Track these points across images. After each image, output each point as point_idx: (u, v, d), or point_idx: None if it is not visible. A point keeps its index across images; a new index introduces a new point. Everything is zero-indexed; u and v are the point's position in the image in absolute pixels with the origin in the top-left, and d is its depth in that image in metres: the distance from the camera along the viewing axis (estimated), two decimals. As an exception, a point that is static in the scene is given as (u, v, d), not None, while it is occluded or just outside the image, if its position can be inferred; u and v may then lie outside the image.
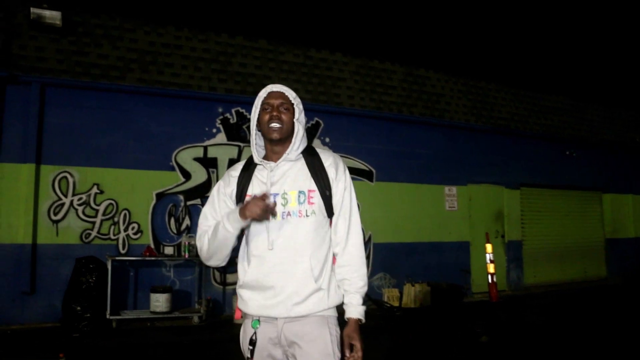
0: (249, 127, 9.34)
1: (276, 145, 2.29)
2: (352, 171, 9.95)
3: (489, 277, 10.59)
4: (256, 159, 2.33)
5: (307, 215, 2.21)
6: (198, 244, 2.33)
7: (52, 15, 7.93)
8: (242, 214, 2.12)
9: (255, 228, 2.22)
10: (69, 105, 8.23)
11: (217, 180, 8.89)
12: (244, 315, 2.31)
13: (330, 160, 2.33)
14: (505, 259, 12.09)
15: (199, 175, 8.99)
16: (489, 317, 9.09)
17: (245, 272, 2.27)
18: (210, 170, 9.08)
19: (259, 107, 2.32)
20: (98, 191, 8.29)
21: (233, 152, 9.28)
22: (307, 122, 9.87)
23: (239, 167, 2.41)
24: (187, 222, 8.82)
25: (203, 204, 8.78)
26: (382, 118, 10.55)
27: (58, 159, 8.10)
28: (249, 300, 2.24)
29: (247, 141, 9.37)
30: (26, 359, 6.06)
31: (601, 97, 14.05)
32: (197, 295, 8.63)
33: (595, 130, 14.24)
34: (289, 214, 2.20)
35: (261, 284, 2.19)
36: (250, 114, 9.31)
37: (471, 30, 10.16)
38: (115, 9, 8.57)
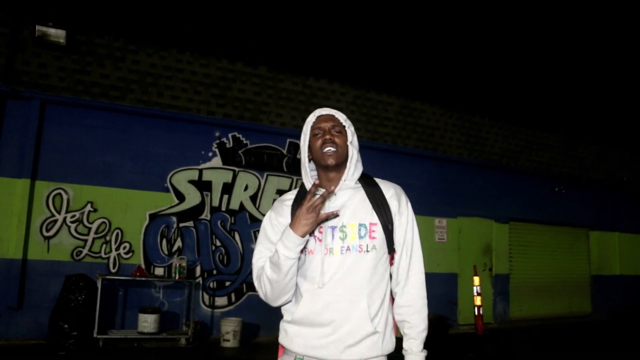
0: (244, 152, 9.58)
1: (331, 172, 2.13)
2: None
3: (476, 309, 10.69)
4: (309, 187, 2.12)
5: (367, 251, 2.04)
6: (257, 285, 2.12)
7: (57, 34, 8.06)
8: (297, 230, 1.96)
9: (312, 262, 2.05)
10: (68, 122, 8.31)
11: (211, 204, 9.07)
12: (285, 352, 2.14)
13: (392, 192, 2.16)
14: (492, 291, 12.19)
15: (193, 197, 9.05)
16: (475, 349, 9.15)
17: (295, 308, 2.09)
18: (205, 193, 9.15)
19: (308, 133, 2.16)
20: (91, 209, 8.33)
21: (228, 176, 9.36)
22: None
23: (291, 195, 2.23)
24: (179, 243, 8.86)
25: (196, 226, 8.98)
26: (377, 149, 10.69)
27: (53, 175, 8.14)
28: (295, 337, 2.07)
29: (242, 166, 9.47)
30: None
31: (592, 135, 14.30)
32: (185, 317, 8.63)
33: (585, 168, 14.48)
34: (348, 248, 2.03)
35: (312, 321, 2.02)
36: (246, 139, 9.50)
37: (468, 65, 10.37)
38: (118, 29, 8.67)
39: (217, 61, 9.42)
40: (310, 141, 2.15)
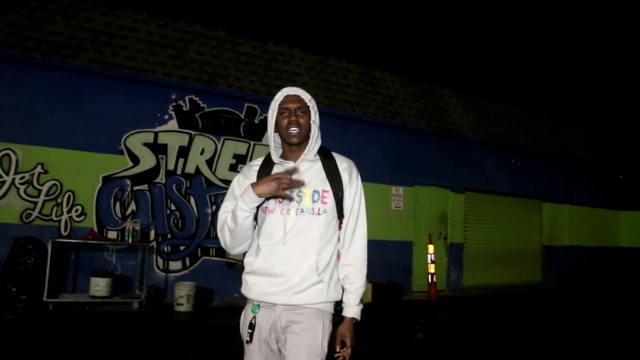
0: (201, 116, 9.45)
1: (294, 147, 2.37)
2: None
3: (429, 277, 10.89)
4: (275, 159, 2.42)
5: (319, 214, 2.31)
6: (220, 235, 2.39)
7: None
8: (256, 189, 2.21)
9: (271, 220, 2.32)
10: (17, 81, 8.02)
11: (166, 167, 8.94)
12: (247, 302, 2.40)
13: (344, 165, 2.43)
14: (446, 260, 12.46)
15: (147, 160, 8.91)
16: (427, 315, 9.37)
17: (253, 260, 2.37)
18: (160, 156, 9.02)
19: (276, 110, 2.37)
20: (42, 171, 8.12)
21: (184, 139, 9.23)
22: (259, 112, 9.91)
23: (257, 162, 2.49)
24: (132, 207, 8.75)
25: (150, 190, 8.86)
26: (335, 115, 10.67)
27: (1, 135, 7.88)
28: (253, 286, 2.34)
29: (198, 129, 9.34)
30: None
31: (548, 108, 14.58)
32: (138, 281, 8.56)
33: (540, 141, 14.80)
34: (302, 210, 2.30)
35: (267, 272, 2.30)
36: (203, 102, 9.36)
37: (428, 35, 10.38)
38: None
39: (174, 22, 9.20)
40: (277, 118, 2.36)
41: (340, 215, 2.39)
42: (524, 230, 14.74)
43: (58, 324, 6.98)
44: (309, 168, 2.38)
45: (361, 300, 2.39)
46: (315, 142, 2.40)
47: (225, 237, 2.36)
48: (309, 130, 2.38)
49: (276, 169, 2.41)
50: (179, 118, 9.20)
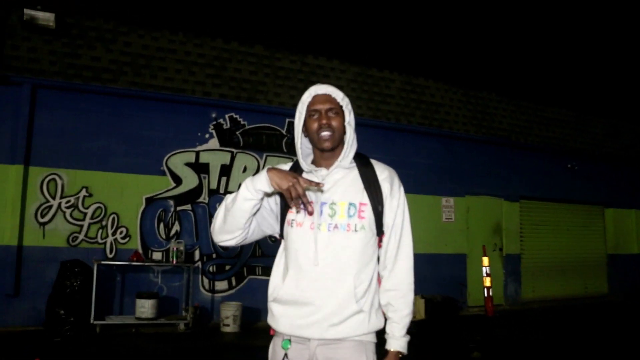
0: (242, 133, 9.37)
1: (327, 153, 2.13)
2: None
3: (485, 290, 10.41)
4: (304, 166, 2.17)
5: (355, 230, 2.03)
6: (214, 217, 2.14)
7: (46, 17, 7.87)
8: (268, 173, 1.95)
9: (300, 238, 2.05)
10: (60, 107, 8.17)
11: (209, 186, 8.88)
12: (276, 334, 2.13)
13: (385, 174, 2.15)
14: (502, 272, 11.89)
15: (190, 180, 8.88)
16: (484, 332, 8.90)
17: (280, 285, 2.10)
18: (202, 175, 8.98)
19: (304, 113, 2.14)
20: (87, 194, 8.20)
21: (226, 158, 9.17)
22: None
23: (286, 167, 2.22)
24: (176, 227, 8.71)
25: (194, 210, 8.81)
26: (380, 127, 10.40)
27: (47, 161, 8.02)
28: (281, 317, 2.07)
29: (240, 147, 9.27)
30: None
31: (605, 110, 13.84)
32: (184, 302, 8.49)
33: (599, 144, 14.02)
34: (335, 226, 2.03)
35: (297, 300, 2.03)
36: (243, 119, 9.28)
37: (473, 39, 10.03)
38: (109, 11, 8.50)
39: (211, 41, 9.19)
40: (305, 121, 2.13)
41: (380, 232, 2.11)
42: (586, 239, 13.92)
43: (105, 346, 6.98)
44: (344, 177, 2.11)
45: (408, 331, 2.09)
46: (350, 146, 2.14)
47: (217, 218, 2.09)
48: (343, 134, 2.13)
49: (306, 177, 2.13)
50: (219, 136, 9.15)
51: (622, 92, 13.24)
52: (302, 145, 2.20)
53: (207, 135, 9.07)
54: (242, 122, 9.35)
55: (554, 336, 8.64)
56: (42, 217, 7.93)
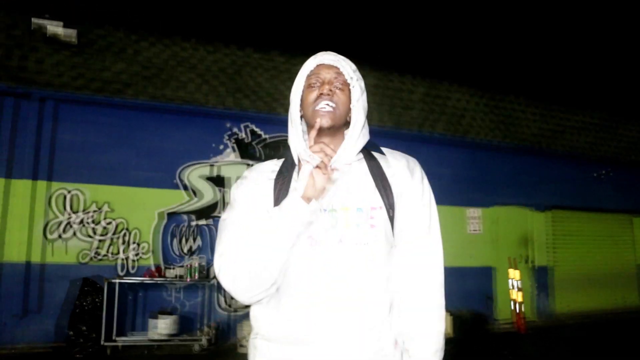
0: (260, 145, 9.06)
1: (324, 137, 1.63)
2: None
3: (516, 305, 9.94)
4: (303, 154, 1.65)
5: (366, 243, 1.58)
6: (229, 272, 1.55)
7: (67, 33, 7.78)
8: (308, 191, 1.50)
9: (295, 258, 1.56)
10: (77, 121, 8.00)
11: (224, 200, 8.59)
12: None
13: (402, 163, 1.73)
14: (534, 286, 11.35)
15: (207, 194, 8.60)
16: (515, 350, 8.43)
17: (269, 317, 1.60)
18: (220, 189, 8.69)
19: (303, 83, 1.70)
20: (105, 209, 7.99)
21: (243, 170, 8.89)
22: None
23: (269, 167, 1.74)
24: (196, 242, 8.43)
25: (213, 224, 8.51)
26: (401, 136, 10.03)
27: (65, 175, 7.84)
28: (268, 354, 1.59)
29: (257, 158, 8.96)
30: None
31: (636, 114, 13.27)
32: (201, 320, 8.18)
33: (633, 149, 13.40)
34: (340, 241, 1.57)
35: (295, 341, 1.56)
36: (261, 130, 8.98)
37: (500, 42, 9.63)
38: (123, 23, 8.28)
39: (225, 48, 8.93)
40: (303, 93, 1.69)
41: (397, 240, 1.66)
42: (623, 249, 13.29)
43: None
44: (348, 172, 1.65)
45: None
46: (359, 133, 1.67)
47: (238, 272, 1.52)
48: (347, 114, 1.67)
49: (298, 171, 1.66)
50: (237, 148, 8.87)
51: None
52: (297, 130, 1.70)
53: (222, 147, 8.78)
54: (260, 133, 9.05)
55: (592, 353, 8.12)
56: (57, 232, 7.72)
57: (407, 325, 1.60)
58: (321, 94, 1.64)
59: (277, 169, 1.71)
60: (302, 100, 1.69)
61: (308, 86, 1.69)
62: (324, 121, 1.61)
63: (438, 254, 1.68)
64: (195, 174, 8.57)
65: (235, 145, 8.87)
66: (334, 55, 1.73)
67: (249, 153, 8.95)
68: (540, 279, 11.45)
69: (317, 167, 1.51)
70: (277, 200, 1.60)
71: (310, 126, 1.65)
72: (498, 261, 10.87)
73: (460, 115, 10.93)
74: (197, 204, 8.54)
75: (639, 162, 13.47)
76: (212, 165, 8.70)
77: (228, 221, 1.62)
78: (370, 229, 1.58)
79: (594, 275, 12.49)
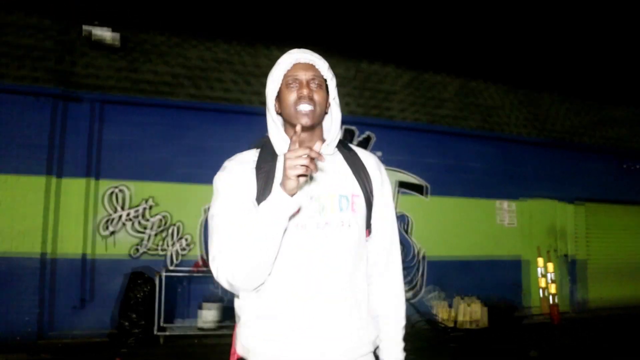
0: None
1: (303, 132, 1.72)
2: (406, 185, 9.72)
3: (550, 297, 10.10)
4: (279, 150, 1.80)
5: (349, 226, 1.70)
6: (223, 265, 1.61)
7: (112, 37, 8.14)
8: (288, 185, 1.54)
9: (284, 241, 1.64)
10: (122, 121, 8.40)
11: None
12: None
13: (372, 160, 1.86)
14: (568, 278, 11.45)
15: (247, 189, 8.94)
16: (549, 340, 8.60)
17: (252, 302, 1.69)
18: (259, 184, 9.02)
19: (280, 81, 1.78)
20: (150, 205, 8.39)
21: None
22: (356, 134, 9.72)
23: (249, 156, 1.84)
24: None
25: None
26: (435, 131, 10.23)
27: (113, 173, 8.27)
28: (263, 343, 1.66)
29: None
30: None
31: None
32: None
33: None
34: (327, 224, 1.67)
35: (283, 318, 1.65)
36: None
37: (531, 39, 9.73)
38: (166, 26, 8.67)
39: (265, 49, 9.25)
40: (281, 91, 1.78)
41: (368, 225, 1.80)
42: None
43: (170, 354, 7.12)
44: (329, 162, 1.76)
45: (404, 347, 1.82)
46: (336, 128, 1.82)
47: (235, 270, 1.60)
48: (325, 111, 1.79)
49: (282, 165, 1.67)
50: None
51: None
52: (277, 123, 1.83)
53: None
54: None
55: (623, 345, 8.23)
56: (110, 228, 8.17)
57: (380, 306, 1.81)
58: (301, 96, 1.72)
59: (256, 158, 1.82)
60: (280, 97, 1.79)
61: (286, 85, 1.77)
62: (305, 121, 1.71)
63: (398, 245, 1.88)
64: (236, 171, 8.91)
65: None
66: (310, 54, 1.80)
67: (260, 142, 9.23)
68: (576, 271, 11.54)
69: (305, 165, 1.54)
70: (262, 191, 1.69)
71: (290, 125, 1.77)
72: (532, 253, 11.00)
73: (494, 111, 11.07)
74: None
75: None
76: (252, 162, 9.02)
77: (216, 220, 1.70)
78: (352, 213, 1.71)
79: (631, 268, 12.51)
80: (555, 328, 9.62)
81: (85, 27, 7.99)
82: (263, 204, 1.59)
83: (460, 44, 9.64)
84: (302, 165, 1.50)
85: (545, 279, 10.38)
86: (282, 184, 1.56)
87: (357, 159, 1.82)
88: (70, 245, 7.92)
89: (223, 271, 1.62)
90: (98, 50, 8.23)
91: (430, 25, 9.23)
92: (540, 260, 10.27)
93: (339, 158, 1.81)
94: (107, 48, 8.23)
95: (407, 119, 10.08)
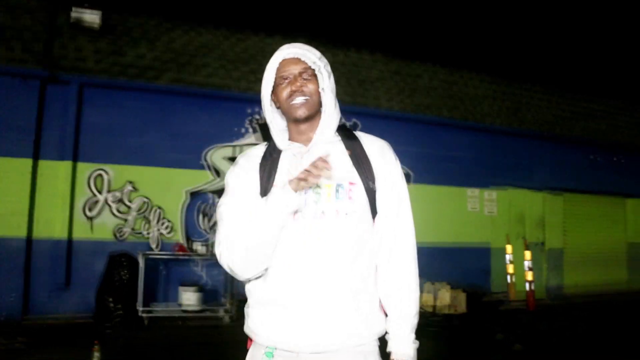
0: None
1: (302, 124, 1.80)
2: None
3: (527, 284, 10.32)
4: (280, 144, 1.84)
5: (346, 214, 1.71)
6: (226, 255, 1.70)
7: (92, 17, 8.08)
8: (295, 184, 1.62)
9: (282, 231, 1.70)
10: (105, 104, 8.37)
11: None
12: (254, 344, 1.80)
13: (377, 145, 1.84)
14: (544, 266, 11.69)
15: (230, 174, 9.01)
16: (525, 326, 8.81)
17: (259, 286, 1.75)
18: (241, 169, 9.09)
19: (272, 81, 1.82)
20: (132, 189, 8.41)
21: (265, 152, 9.26)
22: (344, 119, 9.78)
23: (257, 151, 1.90)
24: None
25: (235, 203, 8.92)
26: (420, 121, 10.33)
27: (94, 156, 8.26)
28: (261, 326, 1.73)
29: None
30: (59, 351, 6.17)
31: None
32: (226, 293, 8.64)
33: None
34: (323, 213, 1.70)
35: (281, 302, 1.70)
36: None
37: (516, 31, 9.83)
38: (152, 8, 8.62)
39: (254, 35, 9.25)
40: (275, 90, 1.83)
41: (375, 213, 1.79)
42: (631, 232, 13.55)
43: (152, 335, 7.23)
44: (328, 152, 1.74)
45: (415, 335, 1.77)
46: (330, 115, 1.81)
47: (235, 257, 1.68)
48: (320, 101, 1.80)
49: (285, 158, 1.82)
50: (257, 131, 9.26)
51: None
52: (276, 119, 1.89)
53: (242, 130, 9.17)
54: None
55: (599, 330, 8.46)
56: (90, 211, 8.18)
57: (389, 294, 1.76)
58: (293, 91, 1.76)
59: (262, 153, 1.87)
60: (275, 95, 1.83)
61: (278, 83, 1.80)
62: (300, 112, 1.76)
63: (411, 230, 1.83)
64: (218, 155, 8.98)
65: (255, 128, 9.25)
66: (298, 48, 1.81)
67: (270, 135, 9.29)
68: (552, 260, 11.80)
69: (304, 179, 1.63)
70: (264, 185, 1.76)
71: (288, 118, 1.84)
72: (512, 242, 11.17)
73: (477, 102, 11.20)
74: (220, 183, 8.95)
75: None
76: (234, 147, 9.09)
77: (223, 209, 1.77)
78: (349, 201, 1.72)
79: (601, 256, 12.82)
80: (532, 314, 9.85)
81: (74, 10, 7.91)
82: (265, 198, 1.69)
83: (446, 35, 9.73)
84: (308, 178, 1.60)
85: (514, 265, 10.59)
86: (289, 182, 1.65)
87: (358, 146, 1.82)
88: (53, 227, 7.93)
89: (225, 257, 1.70)
90: (85, 33, 8.16)
91: (418, 15, 9.30)
92: (509, 248, 10.50)
93: (339, 147, 1.82)
94: (95, 31, 8.17)
95: (393, 108, 10.17)
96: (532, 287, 10.34)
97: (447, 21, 9.37)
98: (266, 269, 1.72)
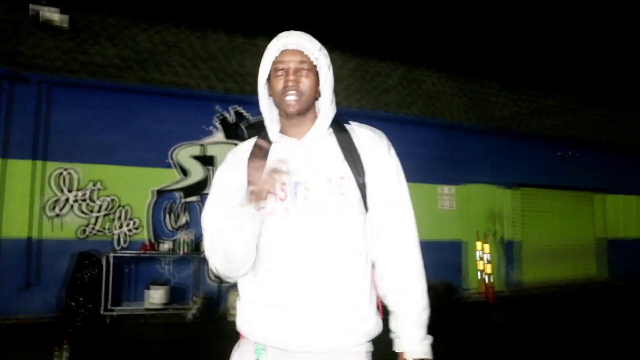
0: (247, 126, 9.53)
1: (294, 118, 1.75)
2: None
3: (486, 277, 10.64)
4: (272, 136, 1.80)
5: (336, 210, 1.67)
6: (208, 257, 1.71)
7: (58, 17, 8.07)
8: (247, 200, 1.59)
9: (273, 228, 1.66)
10: (69, 103, 8.37)
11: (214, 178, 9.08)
12: (244, 341, 1.77)
13: (368, 136, 1.80)
14: (504, 259, 12.08)
15: (196, 173, 9.10)
16: (485, 317, 9.12)
17: (249, 283, 1.72)
18: (208, 168, 9.19)
19: (269, 67, 1.77)
20: (98, 187, 8.44)
21: (229, 149, 9.33)
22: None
23: (247, 146, 1.86)
24: (185, 218, 8.95)
25: (201, 201, 9.02)
26: (379, 117, 10.57)
27: (60, 155, 8.25)
28: (253, 322, 1.70)
29: (244, 139, 9.41)
30: (21, 351, 6.20)
31: (606, 95, 13.88)
32: (192, 291, 8.74)
33: (599, 131, 14.11)
34: (313, 209, 1.66)
35: (271, 301, 1.66)
36: (248, 112, 9.46)
37: (472, 29, 10.09)
38: (114, 7, 8.64)
39: (214, 34, 9.35)
40: (270, 78, 1.78)
41: (367, 207, 1.73)
42: (587, 225, 14.09)
43: (117, 334, 7.25)
44: (319, 148, 1.75)
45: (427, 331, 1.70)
46: (326, 112, 1.77)
47: (216, 261, 1.67)
48: (315, 97, 1.76)
49: (274, 151, 1.78)
50: (225, 129, 9.35)
51: (624, 77, 13.22)
52: (269, 109, 1.85)
53: (212, 129, 9.26)
54: (247, 115, 9.54)
55: (555, 320, 8.81)
56: (56, 210, 8.18)
57: (391, 289, 1.69)
58: (286, 86, 1.71)
59: (250, 148, 1.84)
60: (270, 83, 1.78)
61: (274, 72, 1.76)
62: (292, 109, 1.71)
63: (409, 218, 1.77)
64: (185, 154, 9.06)
65: (222, 127, 9.35)
66: (298, 37, 1.76)
67: (235, 134, 9.44)
68: (510, 253, 12.18)
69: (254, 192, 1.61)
70: (249, 182, 1.70)
71: (281, 110, 1.78)
72: (469, 235, 11.56)
73: (435, 98, 11.49)
74: (186, 182, 9.04)
75: (608, 142, 14.20)
76: (201, 146, 9.18)
77: (204, 214, 1.74)
78: (339, 197, 1.67)
79: (562, 250, 13.31)
80: (490, 306, 10.17)
81: (32, 7, 7.90)
82: (234, 202, 1.66)
83: (405, 32, 9.94)
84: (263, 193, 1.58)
85: (483, 260, 10.93)
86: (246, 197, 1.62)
87: (349, 139, 1.76)
88: (15, 227, 7.91)
89: (210, 262, 1.70)
90: (46, 31, 8.15)
91: (377, 12, 9.48)
92: (479, 244, 10.81)
93: (331, 141, 1.77)
94: (55, 29, 8.16)
95: (352, 105, 10.38)
96: (492, 280, 10.68)
97: (406, 18, 9.58)
98: (254, 267, 1.69)
